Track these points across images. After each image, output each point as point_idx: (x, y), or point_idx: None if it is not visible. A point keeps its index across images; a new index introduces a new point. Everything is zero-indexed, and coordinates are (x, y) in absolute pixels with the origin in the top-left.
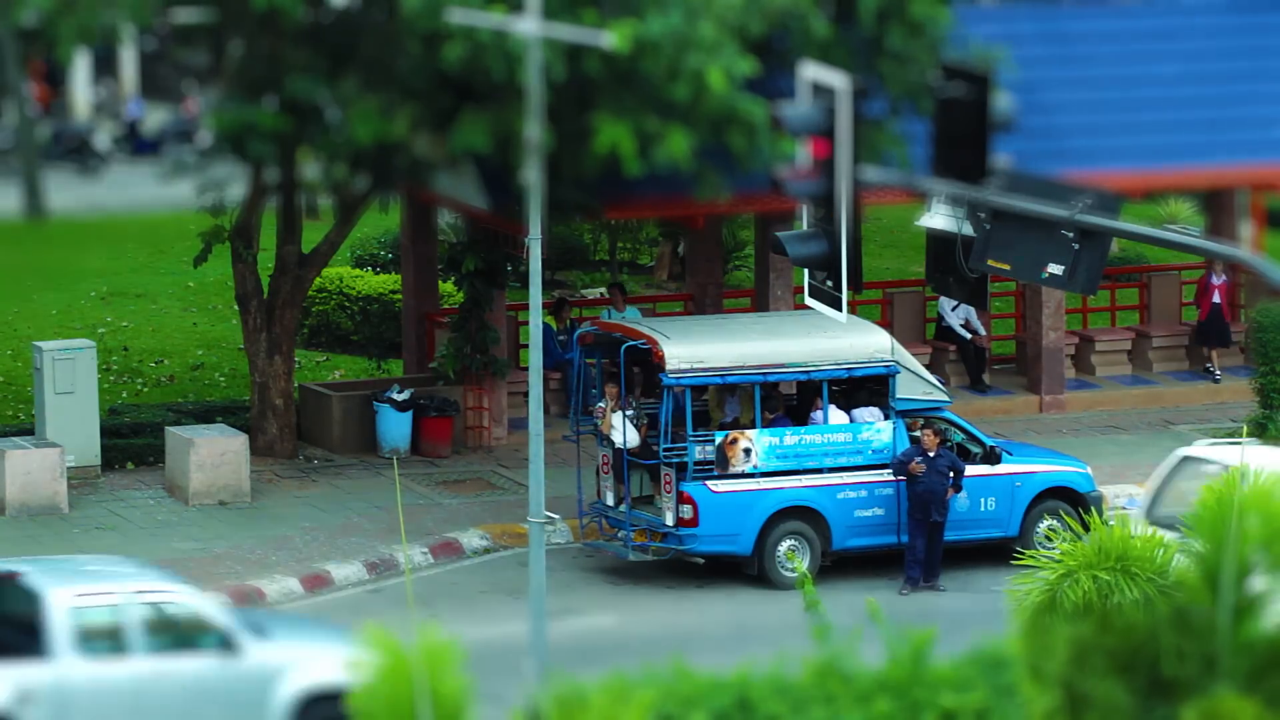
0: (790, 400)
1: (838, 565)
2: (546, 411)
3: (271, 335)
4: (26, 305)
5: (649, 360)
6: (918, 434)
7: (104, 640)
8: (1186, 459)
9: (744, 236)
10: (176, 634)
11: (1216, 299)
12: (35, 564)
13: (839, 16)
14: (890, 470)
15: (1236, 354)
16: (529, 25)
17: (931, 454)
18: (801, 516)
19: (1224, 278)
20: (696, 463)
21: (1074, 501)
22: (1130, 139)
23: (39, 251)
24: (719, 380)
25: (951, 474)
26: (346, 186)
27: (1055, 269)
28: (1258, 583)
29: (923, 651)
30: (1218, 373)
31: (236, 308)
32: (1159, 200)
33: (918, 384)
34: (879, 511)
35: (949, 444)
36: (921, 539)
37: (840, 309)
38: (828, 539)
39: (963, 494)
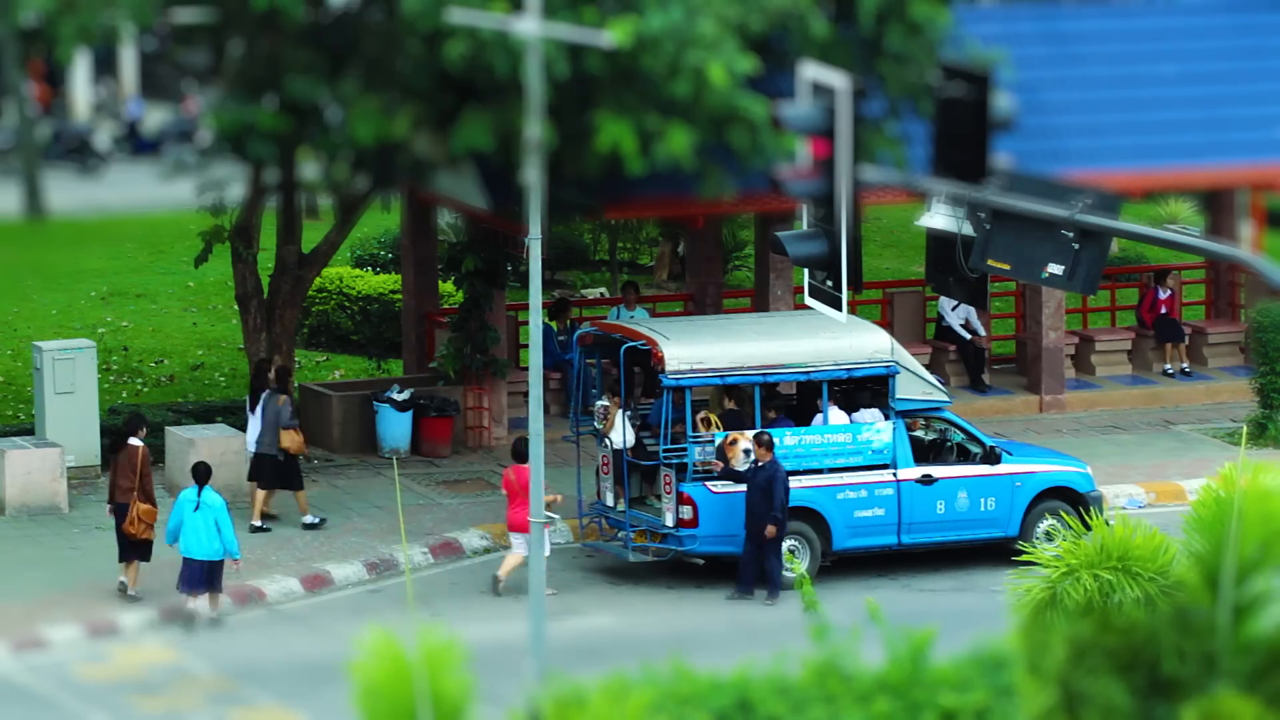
0: (791, 400)
1: (838, 565)
2: (546, 411)
3: (271, 335)
4: (26, 305)
5: (649, 361)
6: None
7: None
8: None
9: (744, 236)
10: None
11: (1164, 311)
12: None
13: (839, 16)
14: (724, 471)
15: (1236, 354)
16: (529, 25)
17: (760, 464)
18: (801, 517)
19: (1170, 291)
20: (696, 463)
21: (1074, 501)
22: (1130, 139)
23: (39, 251)
24: (719, 381)
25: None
26: (346, 186)
27: (1055, 269)
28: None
29: (922, 651)
30: (1185, 366)
31: (236, 308)
32: (1159, 200)
33: (917, 384)
34: (879, 512)
35: (949, 444)
36: (756, 547)
37: (840, 309)
38: (828, 539)
39: (963, 493)
